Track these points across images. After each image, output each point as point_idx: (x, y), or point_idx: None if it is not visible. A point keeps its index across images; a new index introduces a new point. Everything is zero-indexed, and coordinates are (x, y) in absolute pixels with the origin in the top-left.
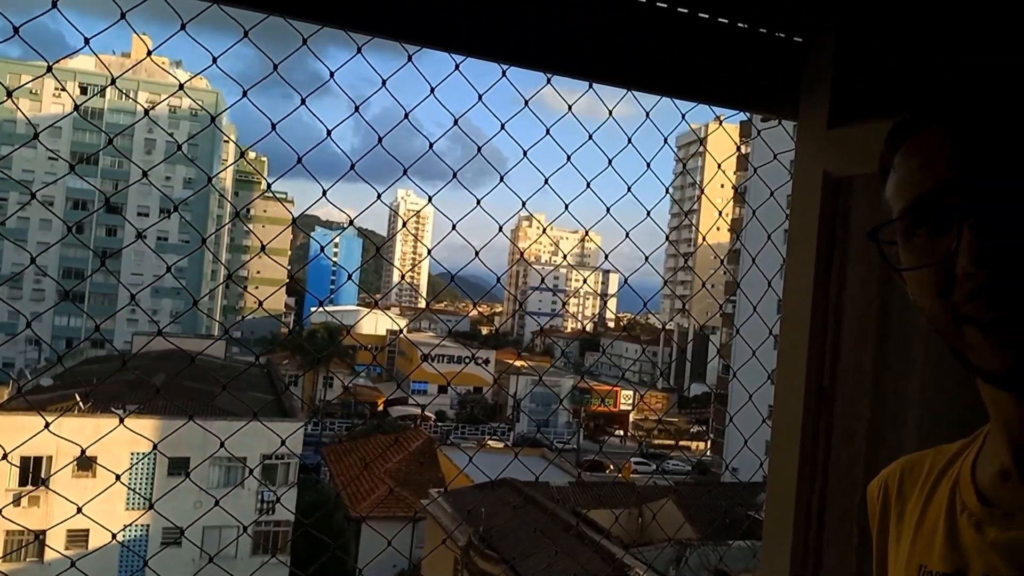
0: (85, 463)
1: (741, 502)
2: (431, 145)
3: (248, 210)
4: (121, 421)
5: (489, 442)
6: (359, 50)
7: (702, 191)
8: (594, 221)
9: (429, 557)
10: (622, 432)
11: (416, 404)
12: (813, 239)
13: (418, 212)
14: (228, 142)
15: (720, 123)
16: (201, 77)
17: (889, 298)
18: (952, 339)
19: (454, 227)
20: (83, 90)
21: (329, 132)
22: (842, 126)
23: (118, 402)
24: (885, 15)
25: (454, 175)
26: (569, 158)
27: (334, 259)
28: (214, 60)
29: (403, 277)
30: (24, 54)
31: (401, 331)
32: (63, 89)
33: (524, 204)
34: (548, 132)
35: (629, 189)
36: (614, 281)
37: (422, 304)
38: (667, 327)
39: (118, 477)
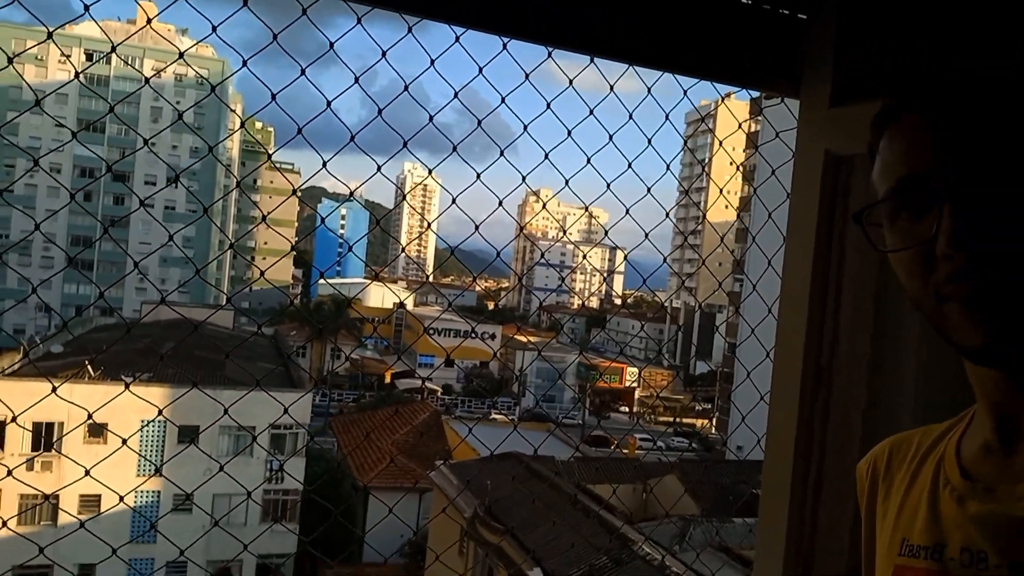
0: (96, 429)
1: (745, 479)
2: (431, 118)
3: (254, 180)
4: (127, 387)
5: (494, 416)
6: (359, 21)
7: (705, 170)
8: (602, 194)
9: (435, 527)
10: (627, 408)
11: (421, 377)
12: (813, 218)
13: (420, 184)
14: (234, 110)
15: (722, 101)
16: (207, 45)
17: (888, 278)
18: (935, 318)
19: (454, 200)
20: (88, 56)
21: (329, 103)
22: (844, 105)
23: (128, 369)
24: None
25: (454, 148)
26: (570, 133)
27: (340, 233)
28: (214, 29)
29: (403, 250)
30: (30, 19)
31: (402, 304)
32: (67, 57)
33: (524, 179)
34: (548, 106)
35: (630, 165)
36: (621, 258)
37: (429, 276)
38: (672, 304)
39: (124, 441)
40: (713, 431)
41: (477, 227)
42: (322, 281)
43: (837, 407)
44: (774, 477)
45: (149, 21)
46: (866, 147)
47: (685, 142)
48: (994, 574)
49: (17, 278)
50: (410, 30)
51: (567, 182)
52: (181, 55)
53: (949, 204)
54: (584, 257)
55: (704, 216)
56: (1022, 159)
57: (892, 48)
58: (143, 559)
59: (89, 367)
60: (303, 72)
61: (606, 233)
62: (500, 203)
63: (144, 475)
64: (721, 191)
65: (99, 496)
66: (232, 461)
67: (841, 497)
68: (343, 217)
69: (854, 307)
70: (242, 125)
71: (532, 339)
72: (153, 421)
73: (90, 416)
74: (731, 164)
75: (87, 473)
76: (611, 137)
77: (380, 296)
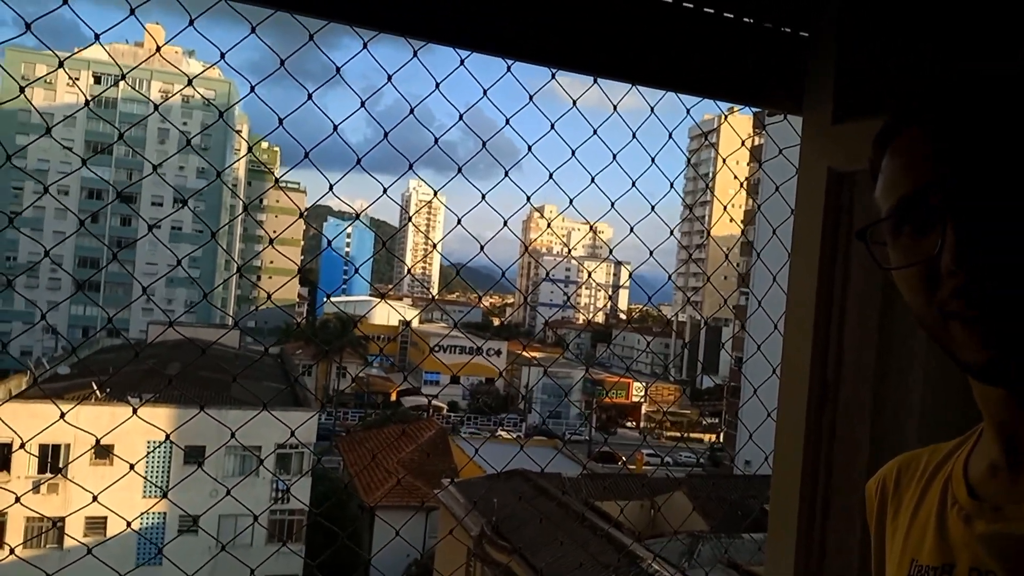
0: (102, 451)
1: (754, 494)
2: (436, 141)
3: (261, 201)
4: (134, 412)
5: (500, 433)
6: (365, 46)
7: (707, 186)
8: (605, 212)
9: (442, 547)
10: (634, 424)
11: (427, 395)
12: (817, 234)
13: (428, 203)
14: (240, 132)
15: (725, 118)
16: (214, 67)
17: (893, 294)
18: (940, 335)
19: (459, 222)
20: (97, 79)
21: (336, 127)
22: (846, 121)
23: (135, 391)
24: (890, 10)
25: (459, 170)
26: (574, 153)
27: (346, 252)
28: (222, 56)
29: (409, 271)
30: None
31: (408, 324)
32: (75, 81)
33: (529, 199)
34: (552, 127)
35: (633, 184)
36: (626, 273)
37: (434, 294)
38: (678, 319)
39: (132, 467)
40: (721, 445)
41: (482, 247)
42: (324, 301)
43: (843, 423)
44: (782, 493)
45: (158, 49)
46: (868, 164)
47: (689, 160)
48: None
49: (25, 299)
50: (415, 54)
51: (571, 201)
52: (190, 82)
53: (952, 219)
54: (589, 276)
55: (708, 232)
56: None
57: (893, 65)
58: None
59: (96, 389)
60: (310, 97)
61: (611, 252)
62: (505, 223)
63: (151, 497)
64: (725, 208)
65: (105, 518)
66: (239, 480)
67: (849, 513)
68: (348, 235)
69: (859, 323)
70: (249, 150)
71: (538, 355)
72: (162, 444)
73: (98, 442)
74: (735, 178)
75: (95, 499)
76: (615, 156)
77: (386, 314)
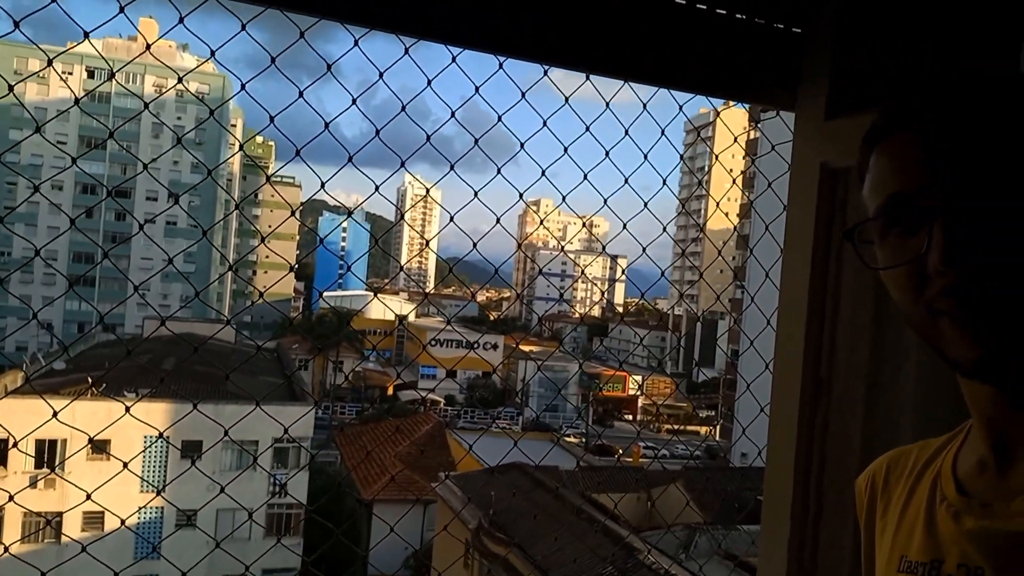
0: (99, 446)
1: (750, 486)
2: (428, 138)
3: (256, 195)
4: (127, 410)
5: (497, 426)
6: (356, 43)
7: (700, 181)
8: (599, 209)
9: (440, 540)
10: (631, 416)
11: (424, 389)
12: (810, 230)
13: (422, 199)
14: (234, 126)
15: (718, 115)
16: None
17: (886, 290)
18: (928, 333)
19: (452, 219)
20: (91, 74)
21: (327, 125)
22: (840, 117)
23: (130, 386)
24: (889, 10)
25: (451, 168)
26: (566, 150)
27: (341, 248)
28: (212, 54)
29: (401, 268)
30: (32, 35)
31: (403, 321)
32: (68, 76)
33: (522, 196)
34: (545, 124)
35: (626, 181)
36: (621, 267)
37: (430, 289)
38: (674, 312)
39: (125, 465)
40: (716, 438)
41: (475, 244)
42: (319, 298)
43: (836, 418)
44: (775, 487)
45: (148, 47)
46: (855, 165)
47: (682, 157)
48: None
49: (19, 294)
50: (407, 51)
51: (564, 198)
52: (180, 79)
53: (941, 219)
54: (583, 272)
55: (703, 226)
56: (1015, 169)
57: (888, 61)
58: None
59: (91, 384)
60: (300, 95)
61: (603, 248)
62: (498, 220)
63: (147, 491)
64: (717, 205)
65: (103, 513)
66: (235, 475)
67: (843, 508)
68: (344, 229)
69: (852, 319)
70: (240, 149)
71: (534, 349)
72: (156, 440)
73: (91, 440)
74: (729, 172)
75: (88, 497)
76: (607, 153)
77: (382, 308)
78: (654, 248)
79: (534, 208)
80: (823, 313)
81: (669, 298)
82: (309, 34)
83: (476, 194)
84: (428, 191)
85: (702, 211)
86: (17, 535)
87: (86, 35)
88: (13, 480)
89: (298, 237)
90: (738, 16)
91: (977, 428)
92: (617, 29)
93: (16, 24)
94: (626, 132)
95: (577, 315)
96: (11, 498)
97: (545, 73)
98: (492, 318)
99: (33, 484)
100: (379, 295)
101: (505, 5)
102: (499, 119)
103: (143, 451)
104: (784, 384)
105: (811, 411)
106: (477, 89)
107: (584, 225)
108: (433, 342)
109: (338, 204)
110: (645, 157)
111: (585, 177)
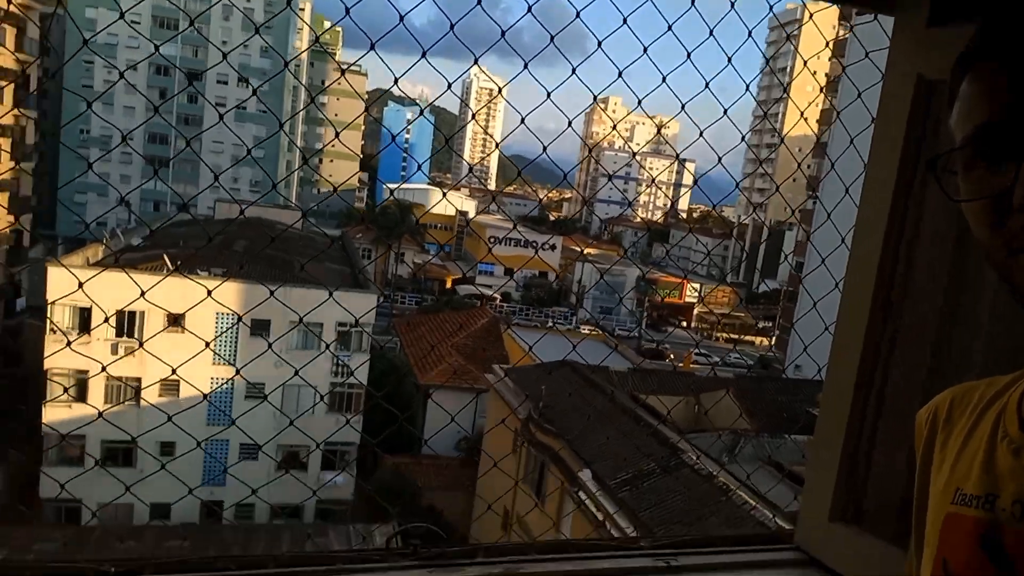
0: (177, 320)
1: (802, 398)
2: (503, 34)
3: (322, 81)
4: (209, 294)
5: (553, 324)
6: None
7: (782, 84)
8: (675, 106)
9: (490, 426)
10: (684, 323)
11: (482, 285)
12: (899, 146)
13: (495, 97)
14: (303, 10)
15: (810, 16)
16: None
17: None
18: (1004, 270)
19: (523, 121)
20: None
21: (402, 18)
22: (942, 25)
23: (203, 265)
24: None
25: (525, 66)
26: (645, 51)
27: (405, 141)
28: None
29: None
30: None
31: (464, 215)
32: None
33: (596, 98)
34: (625, 22)
35: (707, 85)
36: (689, 172)
37: (491, 185)
38: (740, 221)
39: (208, 344)
40: (771, 350)
41: (545, 148)
42: (387, 194)
43: (904, 343)
44: (832, 404)
45: None
46: (947, 91)
47: (768, 60)
48: None
49: (99, 171)
50: None
51: (640, 102)
52: None
53: None
54: (652, 181)
55: (781, 135)
56: None
57: None
58: (219, 440)
59: (167, 261)
60: None
61: (677, 153)
62: (570, 123)
63: (219, 364)
64: (802, 114)
65: (178, 382)
66: (301, 353)
67: (901, 432)
68: (409, 121)
69: (932, 245)
70: (316, 40)
71: (592, 251)
72: (231, 320)
73: (171, 316)
74: (813, 74)
75: (174, 372)
76: (689, 55)
77: (443, 202)
78: (726, 151)
79: (602, 107)
80: (902, 234)
81: (736, 206)
82: None
83: (549, 95)
84: (500, 90)
85: (779, 115)
86: (100, 397)
87: None
88: (96, 346)
89: (363, 127)
90: None
91: None
92: None
93: None
94: (711, 33)
95: (639, 219)
96: (104, 368)
97: None
98: (553, 218)
99: (115, 350)
100: (442, 190)
101: None
102: (577, 15)
103: (221, 332)
104: (853, 303)
105: (879, 333)
106: None
107: (659, 132)
108: (492, 239)
109: (404, 96)
110: (729, 60)
111: (664, 80)
